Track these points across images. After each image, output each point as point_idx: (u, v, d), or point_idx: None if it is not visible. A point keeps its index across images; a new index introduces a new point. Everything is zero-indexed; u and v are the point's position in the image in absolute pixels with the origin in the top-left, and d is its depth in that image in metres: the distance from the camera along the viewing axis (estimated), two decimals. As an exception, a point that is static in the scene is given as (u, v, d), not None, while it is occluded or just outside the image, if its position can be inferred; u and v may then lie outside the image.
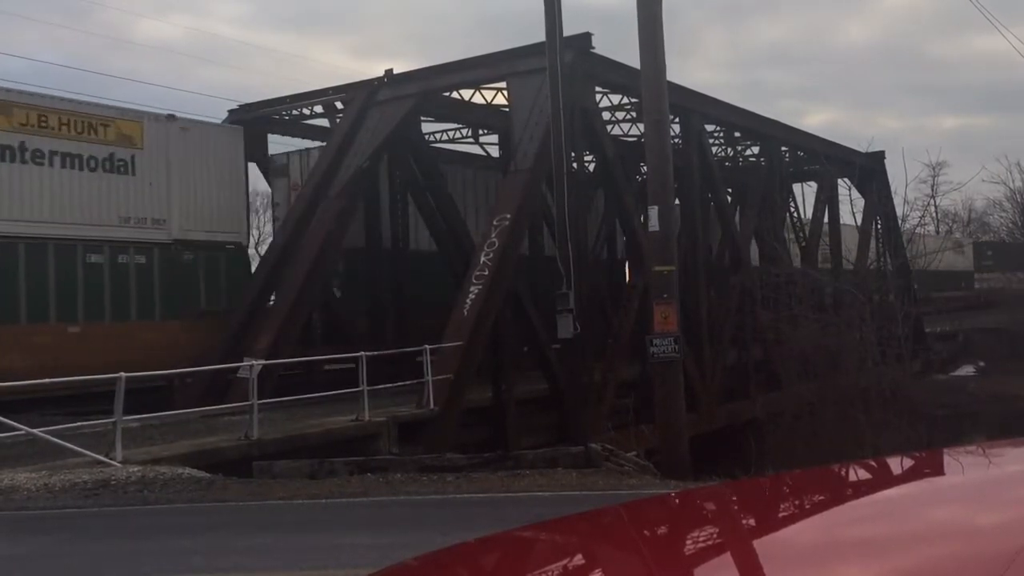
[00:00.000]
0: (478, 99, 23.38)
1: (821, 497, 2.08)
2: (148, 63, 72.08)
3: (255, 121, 23.12)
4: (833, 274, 28.27)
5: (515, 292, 18.08)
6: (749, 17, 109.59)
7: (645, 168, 15.85)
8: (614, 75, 20.29)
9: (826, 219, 30.12)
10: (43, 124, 17.73)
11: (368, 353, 14.27)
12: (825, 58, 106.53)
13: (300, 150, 23.95)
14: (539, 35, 17.81)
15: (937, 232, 59.73)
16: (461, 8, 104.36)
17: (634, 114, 24.74)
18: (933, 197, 55.61)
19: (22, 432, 10.34)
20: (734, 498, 2.21)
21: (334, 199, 20.06)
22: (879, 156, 31.66)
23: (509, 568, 1.83)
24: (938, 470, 2.20)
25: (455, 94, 22.90)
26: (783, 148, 28.92)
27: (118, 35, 64.46)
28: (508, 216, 17.61)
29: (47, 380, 12.79)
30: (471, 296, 16.62)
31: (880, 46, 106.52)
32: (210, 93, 74.15)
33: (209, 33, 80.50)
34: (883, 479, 2.27)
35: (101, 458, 10.24)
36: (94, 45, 70.08)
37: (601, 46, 19.40)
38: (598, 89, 21.58)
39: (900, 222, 32.19)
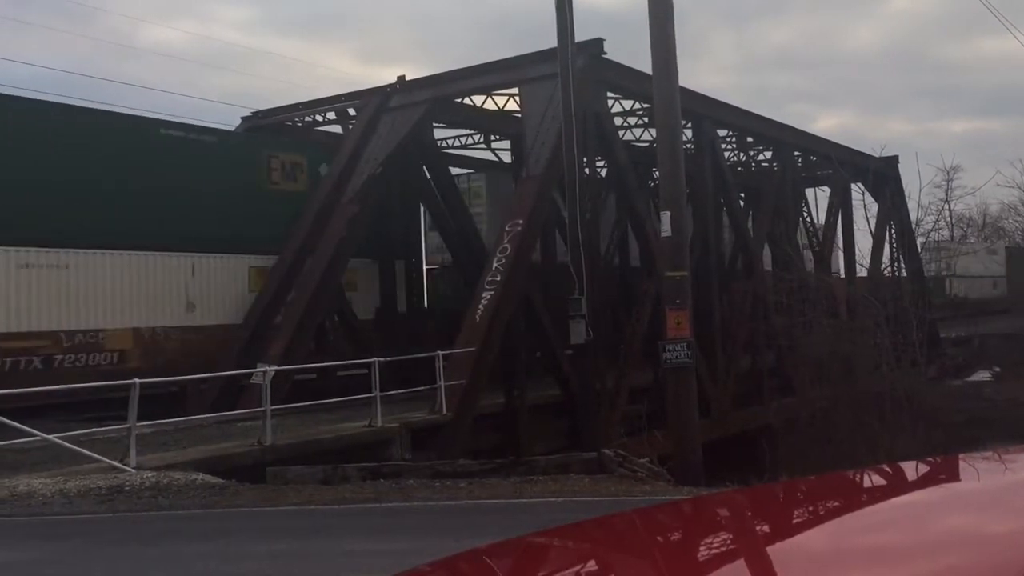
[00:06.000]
0: (490, 105, 23.44)
1: (835, 503, 2.06)
2: (153, 69, 72.51)
3: (268, 127, 23.25)
4: (847, 279, 28.14)
5: (528, 298, 18.07)
6: (757, 20, 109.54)
7: (657, 173, 15.84)
8: (626, 80, 20.29)
9: (839, 224, 30.02)
10: None
11: (381, 359, 14.29)
12: (835, 61, 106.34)
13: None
14: (547, 37, 17.87)
15: (952, 237, 59.35)
16: (467, 11, 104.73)
17: (646, 119, 24.73)
18: (947, 202, 55.26)
19: (38, 438, 10.40)
20: (747, 504, 2.21)
21: (346, 205, 20.11)
22: (893, 161, 31.52)
23: (522, 574, 1.83)
24: (954, 476, 2.19)
25: (467, 100, 22.95)
26: (795, 153, 28.85)
27: (122, 41, 64.86)
28: (521, 222, 17.62)
29: (61, 387, 12.88)
30: (484, 302, 16.63)
31: (889, 49, 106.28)
32: (215, 99, 74.42)
33: (214, 39, 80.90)
34: (898, 485, 2.25)
35: (116, 464, 10.29)
36: (98, 51, 70.51)
37: (610, 49, 19.43)
38: (610, 94, 21.58)
39: (914, 227, 32.01)
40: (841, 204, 30.08)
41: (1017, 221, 63.57)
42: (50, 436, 10.55)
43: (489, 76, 21.01)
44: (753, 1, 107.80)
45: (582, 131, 17.76)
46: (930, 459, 2.54)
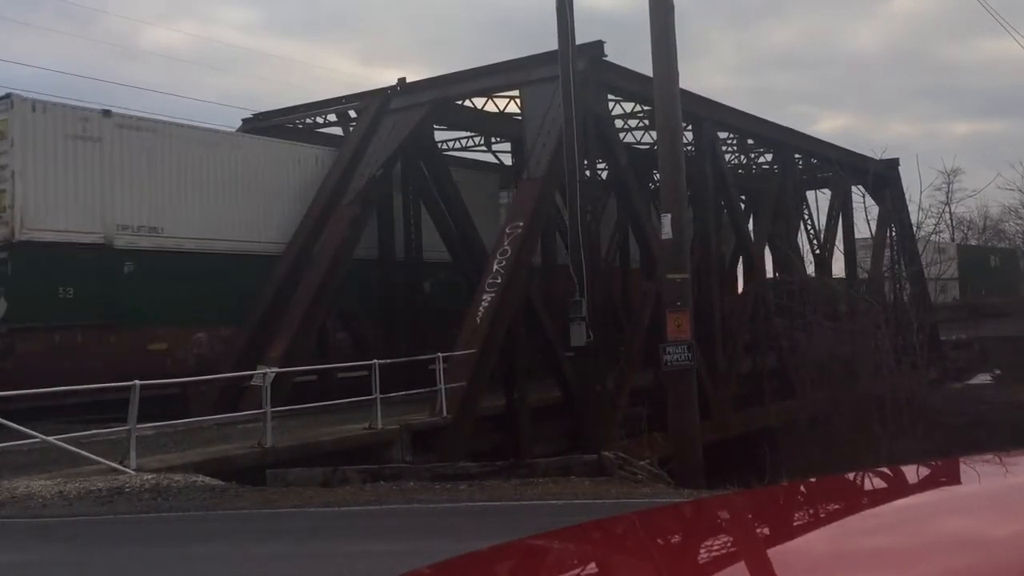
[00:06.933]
0: (491, 107, 23.46)
1: (836, 506, 2.06)
2: (153, 70, 72.52)
3: (269, 130, 23.24)
4: (848, 282, 28.13)
5: (528, 300, 18.07)
6: (758, 20, 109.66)
7: (658, 175, 15.85)
8: (627, 83, 20.30)
9: (840, 226, 30.03)
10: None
11: (381, 361, 14.29)
12: (836, 62, 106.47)
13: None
14: (548, 38, 17.88)
15: (952, 239, 59.35)
16: (467, 12, 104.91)
17: (647, 121, 24.75)
18: (948, 204, 55.30)
19: (38, 440, 10.40)
20: (748, 507, 2.20)
21: (347, 207, 20.12)
22: (893, 163, 31.54)
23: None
24: (954, 479, 2.18)
25: (468, 102, 22.95)
26: (796, 155, 28.86)
27: (123, 42, 64.89)
28: (521, 224, 17.63)
29: (60, 388, 12.86)
30: (484, 304, 16.63)
31: (890, 49, 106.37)
32: (215, 101, 74.36)
33: (215, 40, 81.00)
34: (899, 488, 2.25)
35: (116, 466, 10.29)
36: (98, 52, 70.47)
37: (610, 50, 19.44)
38: (611, 97, 21.60)
39: (915, 229, 32.02)
40: (841, 207, 30.10)
41: (1018, 224, 63.66)
42: (49, 438, 10.55)
43: (490, 78, 21.02)
44: (754, 1, 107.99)
45: (583, 133, 17.77)
46: (931, 462, 2.53)
